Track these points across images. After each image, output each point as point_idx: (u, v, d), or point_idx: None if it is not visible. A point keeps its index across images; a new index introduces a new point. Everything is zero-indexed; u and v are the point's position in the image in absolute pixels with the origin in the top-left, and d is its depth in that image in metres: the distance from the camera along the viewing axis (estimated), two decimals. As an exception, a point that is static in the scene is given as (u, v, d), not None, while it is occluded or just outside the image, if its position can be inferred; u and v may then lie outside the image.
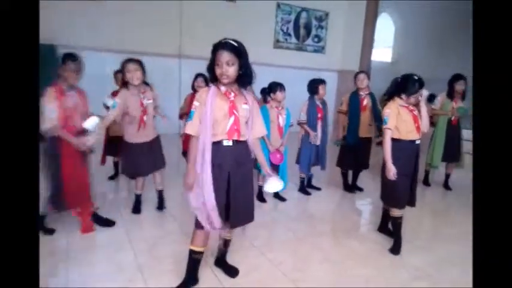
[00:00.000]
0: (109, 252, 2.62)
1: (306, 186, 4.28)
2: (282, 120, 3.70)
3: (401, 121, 2.76)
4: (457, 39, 10.04)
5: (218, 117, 1.95)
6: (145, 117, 3.08)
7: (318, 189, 4.39)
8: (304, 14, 8.44)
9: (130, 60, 2.99)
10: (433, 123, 4.43)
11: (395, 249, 2.87)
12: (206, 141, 1.94)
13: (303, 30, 8.52)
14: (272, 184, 2.13)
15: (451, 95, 4.45)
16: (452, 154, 4.56)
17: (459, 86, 4.38)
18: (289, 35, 8.36)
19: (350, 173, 4.47)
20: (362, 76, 4.10)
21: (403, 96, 2.79)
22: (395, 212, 2.88)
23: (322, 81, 4.00)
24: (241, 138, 2.04)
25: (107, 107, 4.03)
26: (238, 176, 2.05)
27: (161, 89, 7.44)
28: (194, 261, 2.19)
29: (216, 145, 1.99)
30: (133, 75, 2.95)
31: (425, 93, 2.79)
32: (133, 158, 3.13)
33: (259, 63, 6.67)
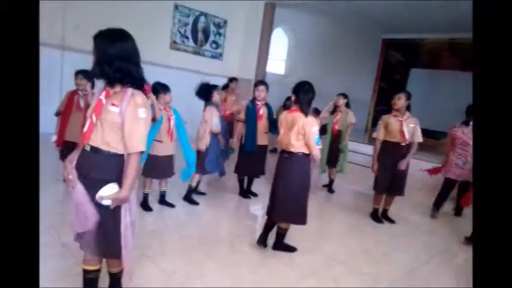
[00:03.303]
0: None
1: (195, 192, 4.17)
2: (172, 123, 3.53)
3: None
4: (340, 60, 11.24)
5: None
6: None
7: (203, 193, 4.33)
8: (202, 19, 8.39)
9: None
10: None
11: (280, 247, 3.05)
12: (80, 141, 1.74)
13: (201, 35, 8.46)
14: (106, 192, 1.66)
15: (334, 109, 5.04)
16: (333, 161, 5.08)
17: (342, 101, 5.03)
18: (187, 37, 8.21)
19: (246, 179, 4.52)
20: (261, 88, 4.20)
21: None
22: (286, 226, 3.02)
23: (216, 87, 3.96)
24: (94, 145, 1.65)
25: None
26: (91, 196, 1.66)
27: (41, 82, 6.48)
28: (89, 281, 1.89)
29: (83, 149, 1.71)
30: None
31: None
32: None
33: (154, 64, 6.44)
